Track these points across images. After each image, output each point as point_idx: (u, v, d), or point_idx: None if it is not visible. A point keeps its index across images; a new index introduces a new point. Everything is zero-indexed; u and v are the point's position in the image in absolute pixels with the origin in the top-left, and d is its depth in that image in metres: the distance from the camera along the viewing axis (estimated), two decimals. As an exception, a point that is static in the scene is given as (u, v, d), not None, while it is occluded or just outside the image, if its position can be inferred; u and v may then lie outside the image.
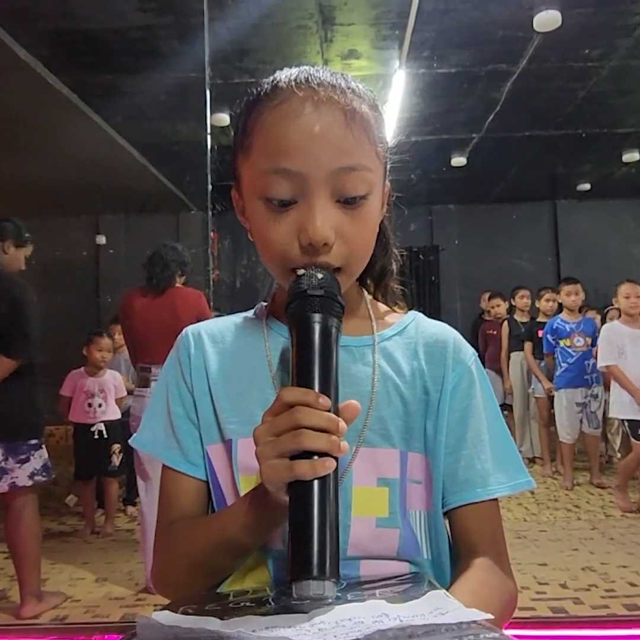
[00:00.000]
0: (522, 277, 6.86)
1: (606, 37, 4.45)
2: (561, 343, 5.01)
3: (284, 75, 0.71)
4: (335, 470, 0.58)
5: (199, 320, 0.89)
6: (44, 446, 2.93)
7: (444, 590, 0.61)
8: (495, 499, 0.77)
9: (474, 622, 0.50)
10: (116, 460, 4.25)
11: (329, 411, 0.58)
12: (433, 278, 8.53)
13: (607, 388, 4.76)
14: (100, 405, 4.24)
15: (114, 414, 4.30)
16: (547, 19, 4.09)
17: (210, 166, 4.21)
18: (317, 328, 0.63)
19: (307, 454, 0.57)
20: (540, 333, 5.41)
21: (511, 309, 6.24)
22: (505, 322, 6.10)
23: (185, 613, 0.58)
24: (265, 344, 0.80)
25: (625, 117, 5.99)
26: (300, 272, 0.68)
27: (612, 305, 5.39)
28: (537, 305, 5.73)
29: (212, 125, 4.54)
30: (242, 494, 0.73)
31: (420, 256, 8.38)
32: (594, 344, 4.83)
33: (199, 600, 0.63)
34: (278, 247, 0.70)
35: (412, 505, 0.75)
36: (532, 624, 2.14)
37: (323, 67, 0.73)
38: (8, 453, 2.80)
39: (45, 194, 6.69)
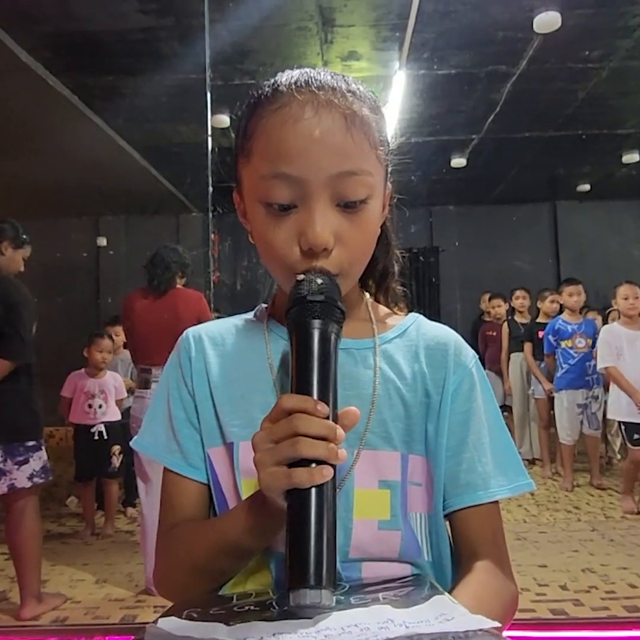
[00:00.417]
0: (522, 279, 6.86)
1: (606, 38, 4.45)
2: (562, 344, 5.01)
3: (285, 78, 0.71)
4: (334, 478, 0.58)
5: (199, 322, 0.89)
6: (43, 447, 2.93)
7: (448, 595, 0.61)
8: (496, 502, 0.77)
9: (481, 630, 0.50)
10: (116, 461, 4.25)
11: (327, 418, 0.58)
12: (433, 279, 8.53)
13: (606, 389, 4.76)
14: (100, 407, 4.24)
15: (115, 415, 4.30)
16: (547, 20, 4.10)
17: (211, 168, 4.21)
18: (316, 334, 0.63)
19: (306, 462, 0.56)
20: (540, 334, 5.41)
21: (511, 310, 6.24)
22: (505, 323, 6.11)
23: (189, 617, 0.58)
24: (266, 346, 0.80)
25: (625, 118, 5.99)
26: (300, 277, 0.67)
27: (613, 306, 5.39)
28: (538, 306, 5.73)
29: (212, 127, 4.55)
30: (243, 497, 0.73)
31: (420, 257, 8.38)
32: (594, 345, 4.83)
33: (203, 604, 0.63)
34: (278, 251, 0.70)
35: (412, 508, 0.75)
36: (532, 625, 2.14)
37: (324, 69, 0.73)
38: (6, 454, 2.80)
39: (46, 196, 6.69)
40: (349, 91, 0.70)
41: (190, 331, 0.85)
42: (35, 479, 2.86)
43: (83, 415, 4.24)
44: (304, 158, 0.66)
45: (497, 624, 0.51)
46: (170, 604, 0.69)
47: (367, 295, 0.86)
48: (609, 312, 5.63)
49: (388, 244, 0.86)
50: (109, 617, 2.91)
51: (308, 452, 0.56)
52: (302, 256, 0.69)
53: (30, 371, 2.92)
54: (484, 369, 0.86)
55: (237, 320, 0.87)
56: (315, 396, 0.59)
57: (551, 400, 5.32)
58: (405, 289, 0.91)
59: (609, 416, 4.62)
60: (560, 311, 5.31)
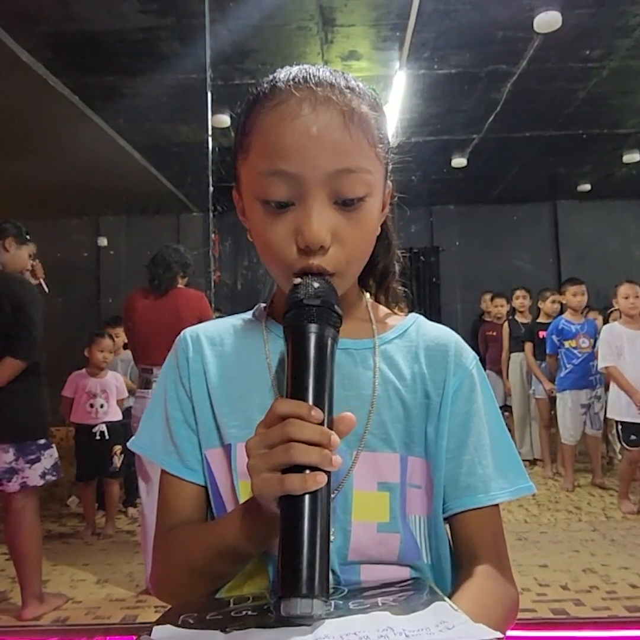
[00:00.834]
0: (522, 278, 6.86)
1: (606, 37, 4.45)
2: (566, 344, 5.00)
3: (283, 74, 0.70)
4: (328, 484, 0.57)
5: (200, 322, 0.88)
6: (53, 445, 2.95)
7: (449, 601, 0.60)
8: (497, 504, 0.77)
9: None
10: (117, 461, 4.25)
11: (322, 424, 0.58)
12: (433, 279, 8.53)
13: (607, 389, 4.76)
14: (102, 406, 4.24)
15: (116, 415, 4.30)
16: (548, 20, 4.09)
17: (211, 168, 4.21)
18: (312, 338, 0.62)
19: (299, 468, 0.56)
20: (541, 334, 5.40)
21: (512, 310, 6.24)
22: (506, 323, 6.10)
23: (185, 624, 0.57)
24: (264, 346, 0.79)
25: (625, 117, 5.98)
26: (297, 281, 0.67)
27: (614, 306, 5.39)
28: (539, 306, 5.72)
29: (213, 127, 4.54)
30: (241, 499, 0.72)
31: (421, 257, 8.38)
32: (596, 345, 4.82)
33: (199, 608, 0.62)
34: (275, 249, 0.69)
35: (412, 510, 0.75)
36: (533, 625, 2.14)
37: (324, 66, 0.72)
38: (18, 453, 2.81)
39: (47, 196, 6.69)
40: (348, 88, 0.69)
41: (188, 331, 0.84)
42: (48, 477, 2.89)
43: (84, 415, 4.24)
44: (301, 155, 0.66)
45: (498, 635, 0.51)
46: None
47: (367, 295, 0.86)
48: (611, 312, 5.63)
49: (389, 243, 0.85)
50: (109, 617, 2.91)
51: (301, 458, 0.56)
52: (299, 254, 0.68)
53: (38, 370, 2.93)
54: (485, 369, 0.85)
55: (236, 320, 0.86)
56: (310, 401, 0.59)
57: (552, 400, 5.32)
58: (405, 289, 0.90)
59: (609, 415, 4.62)
60: (562, 311, 5.31)
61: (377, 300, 0.88)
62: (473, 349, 0.83)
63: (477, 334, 6.45)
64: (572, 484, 5.02)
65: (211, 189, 4.07)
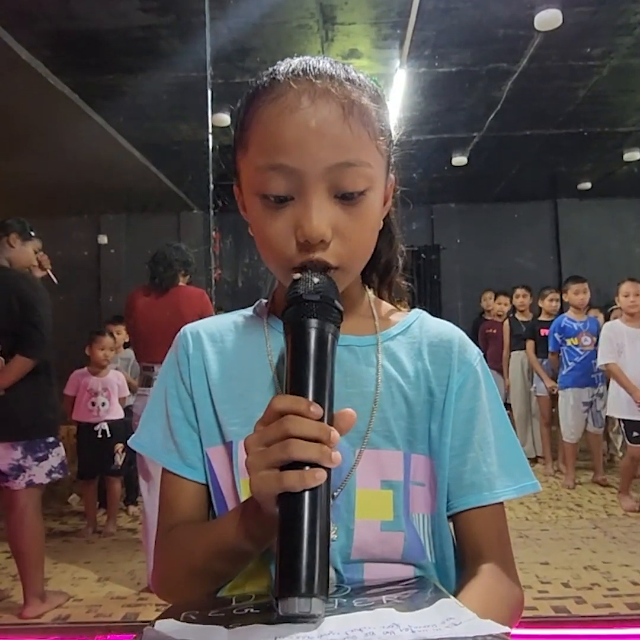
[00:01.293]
0: (523, 276, 6.85)
1: (607, 35, 4.44)
2: (568, 342, 4.99)
3: (283, 67, 0.70)
4: (328, 481, 0.56)
5: (201, 319, 0.87)
6: (61, 444, 2.96)
7: (454, 598, 0.59)
8: (501, 503, 0.76)
9: (491, 635, 0.49)
10: (119, 459, 4.25)
11: (321, 420, 0.57)
12: (434, 277, 8.52)
13: (607, 386, 4.76)
14: (103, 404, 4.24)
15: (118, 413, 4.30)
16: (548, 18, 4.08)
17: (212, 166, 4.20)
18: (312, 334, 0.61)
19: (299, 465, 0.55)
20: (542, 332, 5.40)
21: (512, 308, 6.25)
22: (507, 321, 6.11)
23: (187, 620, 0.57)
24: (266, 343, 0.79)
25: (626, 115, 5.97)
26: (297, 276, 0.66)
27: (615, 304, 5.39)
28: (540, 304, 5.72)
29: (213, 125, 4.54)
30: (242, 497, 0.72)
31: (422, 255, 8.37)
32: (597, 343, 4.83)
33: (201, 606, 0.62)
34: (275, 244, 0.69)
35: (415, 508, 0.74)
36: (535, 623, 2.14)
37: (324, 57, 0.71)
38: (27, 451, 2.82)
39: (47, 194, 6.68)
40: (348, 80, 0.68)
41: (188, 328, 0.83)
42: (54, 475, 2.90)
43: (86, 413, 4.24)
44: (300, 149, 0.65)
45: (506, 629, 0.50)
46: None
47: (370, 291, 0.85)
48: (612, 310, 5.63)
49: (392, 238, 0.84)
50: (111, 615, 2.91)
51: (300, 454, 0.55)
52: (298, 249, 0.67)
53: (48, 368, 2.93)
54: (486, 367, 0.85)
55: (236, 316, 0.85)
56: (310, 397, 0.58)
57: (553, 397, 5.32)
58: (409, 284, 0.89)
59: (609, 413, 4.62)
60: (562, 309, 5.31)
61: (380, 295, 0.87)
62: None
63: (477, 332, 6.45)
64: (573, 481, 5.02)
65: (211, 186, 4.07)
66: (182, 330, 0.83)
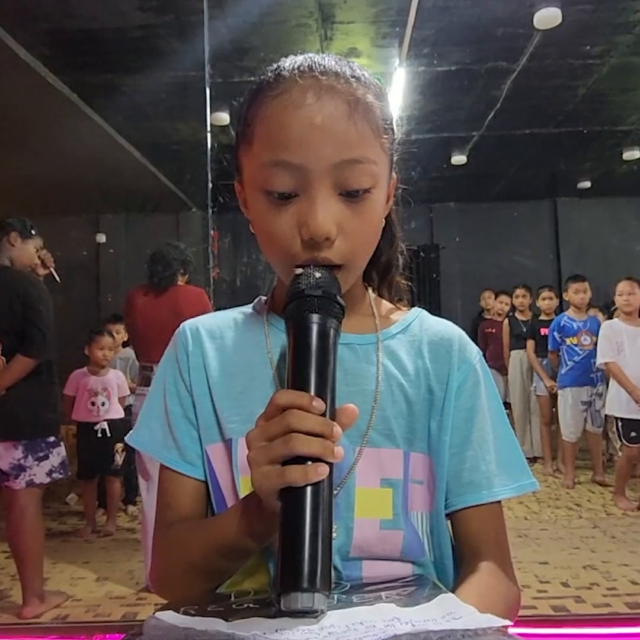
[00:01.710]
0: (522, 275, 6.86)
1: (606, 34, 4.44)
2: (568, 341, 4.99)
3: (288, 63, 0.69)
4: (330, 477, 0.56)
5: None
6: (62, 443, 2.95)
7: (454, 594, 0.59)
8: (499, 501, 0.76)
9: (490, 628, 0.49)
10: (119, 459, 4.24)
11: (324, 415, 0.56)
12: (434, 276, 8.52)
13: (607, 385, 4.76)
14: (103, 404, 4.24)
15: (117, 413, 4.29)
16: (548, 16, 4.08)
17: (210, 165, 4.20)
18: (314, 329, 0.61)
19: (301, 460, 0.55)
20: (542, 331, 5.40)
21: (512, 308, 6.25)
22: (506, 320, 6.11)
23: (187, 613, 0.57)
24: (266, 340, 0.78)
25: (625, 114, 5.98)
26: (299, 271, 0.66)
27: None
28: (537, 304, 5.73)
29: (212, 124, 4.54)
30: (241, 495, 0.71)
31: (421, 254, 8.37)
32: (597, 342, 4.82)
33: (200, 601, 0.62)
34: (279, 241, 0.68)
35: (414, 507, 0.74)
36: (534, 622, 2.14)
37: (329, 54, 0.71)
38: (27, 451, 2.81)
39: (45, 193, 6.68)
40: (353, 77, 0.68)
41: (187, 324, 0.82)
42: (54, 475, 2.89)
43: (86, 413, 4.24)
44: (305, 145, 0.65)
45: (507, 622, 0.50)
46: (170, 602, 0.68)
47: (370, 290, 0.85)
48: (615, 309, 5.63)
49: (392, 236, 0.84)
50: (110, 614, 2.91)
51: (302, 449, 0.54)
52: (303, 247, 0.67)
53: (49, 368, 2.93)
54: (485, 366, 0.84)
55: (236, 313, 0.85)
56: (312, 392, 0.58)
57: (553, 397, 5.32)
58: (409, 283, 0.89)
59: (608, 412, 4.62)
60: (562, 308, 5.30)
61: (380, 294, 0.86)
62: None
63: (477, 331, 6.45)
64: (573, 481, 5.02)
65: (210, 185, 4.07)
66: (180, 326, 0.83)
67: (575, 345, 4.95)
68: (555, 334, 5.07)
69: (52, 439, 2.90)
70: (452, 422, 0.75)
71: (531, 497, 4.68)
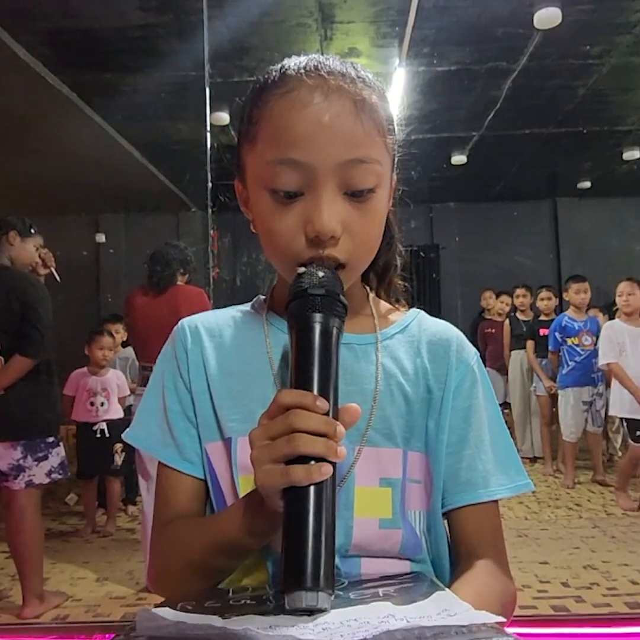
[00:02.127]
0: (522, 275, 6.86)
1: (607, 34, 4.44)
2: (568, 341, 4.99)
3: (293, 62, 0.70)
4: (333, 476, 0.56)
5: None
6: (61, 444, 2.95)
7: (450, 591, 0.60)
8: (496, 500, 0.76)
9: (485, 624, 0.49)
10: (118, 459, 4.24)
11: (327, 414, 0.57)
12: (434, 276, 8.52)
13: (608, 386, 4.76)
14: (102, 404, 4.23)
15: (117, 413, 4.29)
16: (548, 16, 4.08)
17: (210, 165, 4.20)
18: (317, 328, 0.61)
19: (304, 459, 0.55)
20: (542, 331, 5.40)
21: (513, 308, 6.25)
22: (507, 321, 6.11)
23: (184, 610, 0.57)
24: (265, 339, 0.78)
25: (626, 114, 5.98)
26: (301, 270, 0.66)
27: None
28: (537, 304, 5.73)
29: (211, 124, 4.54)
30: (241, 494, 0.71)
31: (421, 254, 8.36)
32: (598, 342, 4.82)
33: (197, 597, 0.62)
34: (283, 239, 0.68)
35: (411, 505, 0.74)
36: (534, 622, 2.14)
37: (332, 56, 0.71)
38: (26, 451, 2.81)
39: (45, 193, 6.68)
40: (359, 77, 0.69)
41: (186, 321, 0.82)
42: (54, 475, 2.88)
43: (85, 413, 4.24)
44: (311, 144, 0.65)
45: (501, 619, 0.50)
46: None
47: (368, 290, 0.85)
48: (616, 310, 5.64)
49: (391, 238, 0.85)
50: (109, 614, 2.91)
51: (306, 448, 0.54)
52: (307, 245, 0.67)
53: (49, 367, 2.93)
54: (485, 366, 0.85)
55: (234, 311, 0.85)
56: (315, 391, 0.58)
57: (553, 397, 5.32)
58: (406, 285, 0.89)
59: (611, 413, 4.62)
60: (562, 308, 5.30)
61: (377, 295, 0.87)
62: (473, 345, 0.83)
63: (477, 331, 6.45)
64: (573, 481, 5.02)
65: (210, 185, 4.07)
66: (179, 323, 0.82)
67: (577, 345, 4.95)
68: (557, 334, 5.07)
69: (51, 439, 2.89)
70: (449, 421, 0.75)
71: (531, 497, 4.69)
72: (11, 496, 2.83)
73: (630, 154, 6.96)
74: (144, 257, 3.30)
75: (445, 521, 0.77)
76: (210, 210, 4.56)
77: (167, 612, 0.54)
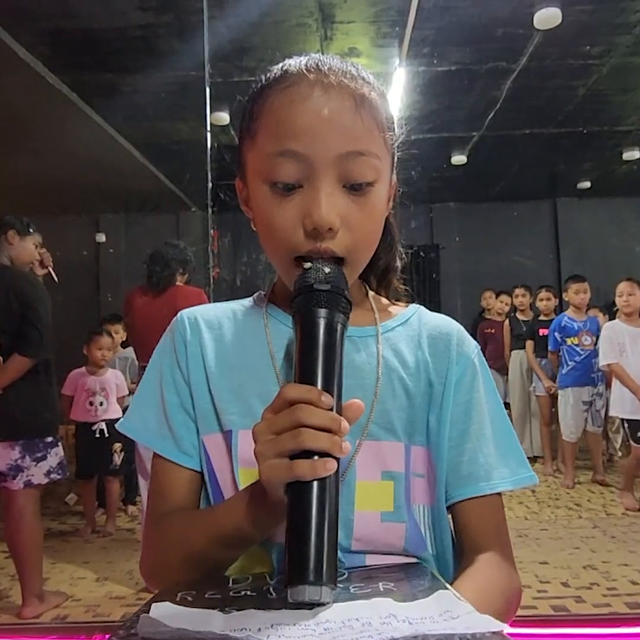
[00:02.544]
0: (522, 275, 6.86)
1: (606, 34, 4.44)
2: (568, 341, 4.99)
3: (293, 61, 0.71)
4: (337, 471, 0.56)
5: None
6: (60, 444, 2.94)
7: (452, 589, 0.59)
8: (499, 493, 0.76)
9: (489, 632, 0.49)
10: (117, 459, 4.24)
11: (331, 410, 0.57)
12: (434, 276, 8.53)
13: (608, 386, 4.75)
14: (101, 404, 4.23)
15: (116, 412, 4.29)
16: (548, 16, 4.09)
17: (210, 165, 4.20)
18: (322, 323, 0.61)
19: (308, 454, 0.55)
20: (541, 332, 5.40)
21: (513, 308, 6.25)
22: (507, 321, 6.11)
23: (184, 601, 0.56)
24: (265, 332, 0.78)
25: (625, 114, 5.98)
26: (307, 265, 0.66)
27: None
28: (536, 304, 5.74)
29: (211, 124, 4.54)
30: (241, 487, 0.71)
31: (421, 254, 8.37)
32: (597, 342, 4.82)
33: (198, 586, 0.62)
34: (282, 232, 0.68)
35: (415, 499, 0.74)
36: (534, 622, 2.14)
37: (333, 55, 0.72)
38: (25, 451, 2.80)
39: (45, 193, 6.69)
40: (359, 75, 0.70)
41: (185, 313, 0.82)
42: (52, 476, 2.87)
43: (84, 413, 4.23)
44: (311, 136, 0.65)
45: (504, 626, 0.50)
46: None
47: (368, 288, 0.85)
48: (616, 310, 5.64)
49: (391, 240, 0.85)
50: (109, 614, 2.90)
51: (311, 443, 0.55)
52: (305, 237, 0.67)
53: (48, 367, 2.92)
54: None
55: (234, 304, 0.85)
56: (319, 387, 0.58)
57: (553, 397, 5.32)
58: (406, 287, 0.89)
59: (612, 413, 4.61)
60: (562, 308, 5.30)
61: (377, 294, 0.87)
62: None
63: (476, 331, 6.45)
64: (573, 481, 5.02)
65: (210, 185, 4.07)
66: (178, 314, 0.82)
67: (576, 345, 4.95)
68: (556, 334, 5.06)
69: (50, 439, 2.89)
70: (450, 415, 0.75)
71: (531, 497, 4.69)
72: (10, 496, 2.82)
73: (630, 154, 6.96)
74: (143, 257, 3.30)
75: (449, 515, 0.77)
76: (210, 210, 4.56)
77: (166, 610, 0.54)
